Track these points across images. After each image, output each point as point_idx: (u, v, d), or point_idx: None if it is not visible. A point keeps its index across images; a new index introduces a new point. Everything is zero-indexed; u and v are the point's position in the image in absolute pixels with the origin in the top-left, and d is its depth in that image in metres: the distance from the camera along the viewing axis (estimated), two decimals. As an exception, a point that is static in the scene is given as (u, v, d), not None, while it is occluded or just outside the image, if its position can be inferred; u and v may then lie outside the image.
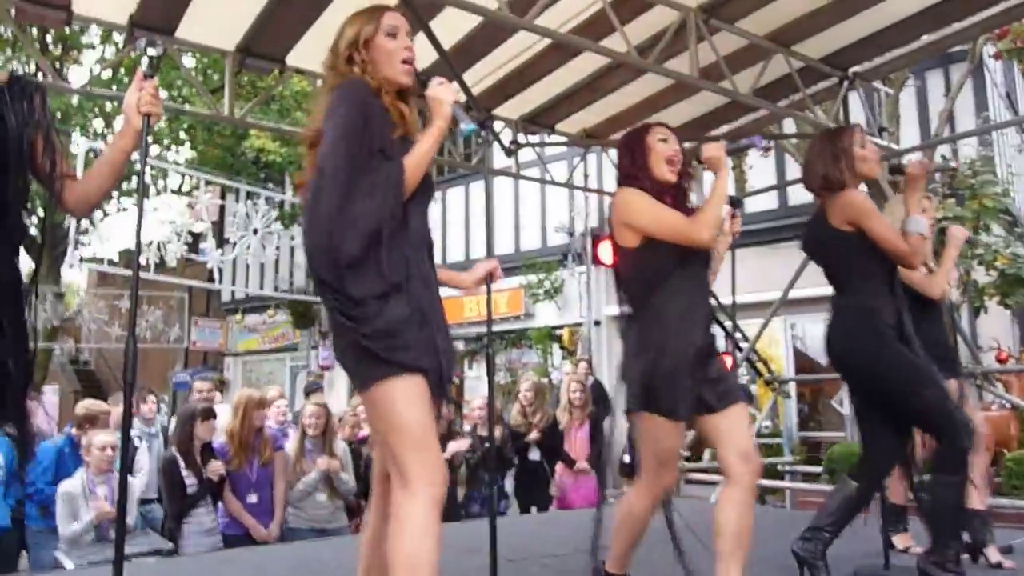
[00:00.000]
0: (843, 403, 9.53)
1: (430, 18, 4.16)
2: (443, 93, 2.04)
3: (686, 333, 2.56)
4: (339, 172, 1.85)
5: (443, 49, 4.30)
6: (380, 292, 1.85)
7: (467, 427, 6.80)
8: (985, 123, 8.42)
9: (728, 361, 6.47)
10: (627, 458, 10.18)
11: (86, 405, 5.15)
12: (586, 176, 9.87)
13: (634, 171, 2.69)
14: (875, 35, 4.77)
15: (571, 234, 12.12)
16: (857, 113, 6.00)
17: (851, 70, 5.26)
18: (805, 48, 4.92)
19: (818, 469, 8.39)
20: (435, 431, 1.91)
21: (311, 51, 4.55)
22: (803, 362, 10.20)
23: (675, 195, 2.67)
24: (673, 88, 5.12)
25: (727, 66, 4.66)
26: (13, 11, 4.15)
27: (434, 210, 13.30)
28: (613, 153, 6.85)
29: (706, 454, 8.46)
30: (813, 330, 10.25)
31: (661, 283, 2.58)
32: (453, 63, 4.55)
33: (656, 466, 2.66)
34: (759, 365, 7.00)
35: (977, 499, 3.34)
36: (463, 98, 2.04)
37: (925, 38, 4.94)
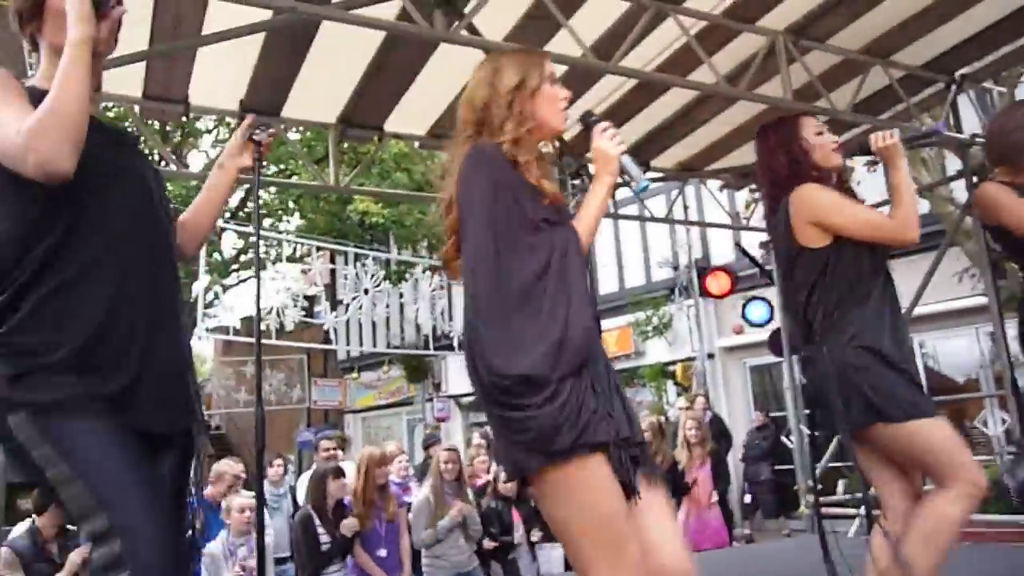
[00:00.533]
0: (987, 423, 8.89)
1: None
2: (610, 146, 1.88)
3: (898, 334, 2.35)
4: (489, 268, 1.71)
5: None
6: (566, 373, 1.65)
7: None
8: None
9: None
10: (748, 498, 9.85)
11: (217, 467, 5.46)
12: (686, 208, 9.76)
13: (796, 170, 2.47)
14: (980, 34, 4.54)
15: (676, 268, 11.96)
16: (969, 116, 5.71)
17: (958, 73, 5.02)
18: (905, 56, 4.74)
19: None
20: (624, 523, 1.66)
21: (406, 117, 4.75)
22: (937, 382, 9.61)
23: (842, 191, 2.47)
24: (767, 112, 5.01)
25: (822, 84, 4.55)
26: (137, 109, 4.53)
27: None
28: (712, 184, 6.77)
29: (840, 486, 8.04)
30: (945, 346, 9.67)
31: (857, 286, 2.36)
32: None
33: (948, 467, 2.23)
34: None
35: None
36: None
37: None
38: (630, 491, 1.69)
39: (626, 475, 1.68)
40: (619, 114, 5.03)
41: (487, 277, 1.71)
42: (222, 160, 2.12)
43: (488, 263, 1.71)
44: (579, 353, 1.66)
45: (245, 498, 4.64)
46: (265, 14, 3.58)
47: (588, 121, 1.96)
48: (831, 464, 6.83)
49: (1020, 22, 4.43)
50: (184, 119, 4.78)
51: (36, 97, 1.55)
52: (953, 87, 5.08)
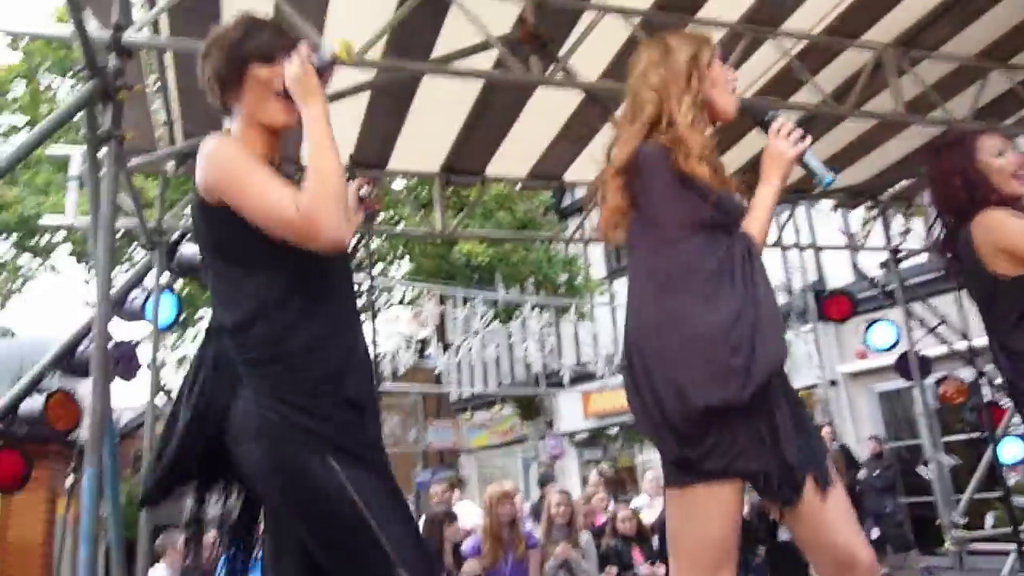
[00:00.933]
0: None
1: (615, 108, 4.29)
2: (785, 145, 1.78)
3: None
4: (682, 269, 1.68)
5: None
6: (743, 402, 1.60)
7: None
8: None
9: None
10: (876, 532, 9.27)
11: None
12: (797, 231, 9.44)
13: (974, 196, 2.27)
14: (1112, 27, 4.24)
15: (790, 292, 11.54)
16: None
17: (1089, 70, 4.68)
18: (1027, 58, 4.47)
19: None
20: (728, 553, 1.65)
21: (507, 160, 4.84)
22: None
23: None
24: (879, 128, 4.83)
25: (938, 94, 4.34)
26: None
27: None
28: (823, 204, 6.53)
29: (988, 519, 7.46)
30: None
31: None
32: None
33: None
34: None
35: None
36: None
37: None
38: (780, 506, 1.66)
39: (774, 499, 1.64)
40: (720, 143, 4.95)
41: (663, 285, 1.68)
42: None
43: (663, 273, 1.69)
44: (766, 376, 1.61)
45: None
46: (370, 73, 3.74)
47: (763, 120, 1.88)
48: (977, 495, 6.36)
49: None
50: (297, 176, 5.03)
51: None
52: (1086, 85, 4.74)
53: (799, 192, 5.82)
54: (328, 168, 1.58)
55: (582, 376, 13.51)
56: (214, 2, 3.29)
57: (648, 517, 6.81)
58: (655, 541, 6.45)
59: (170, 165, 4.42)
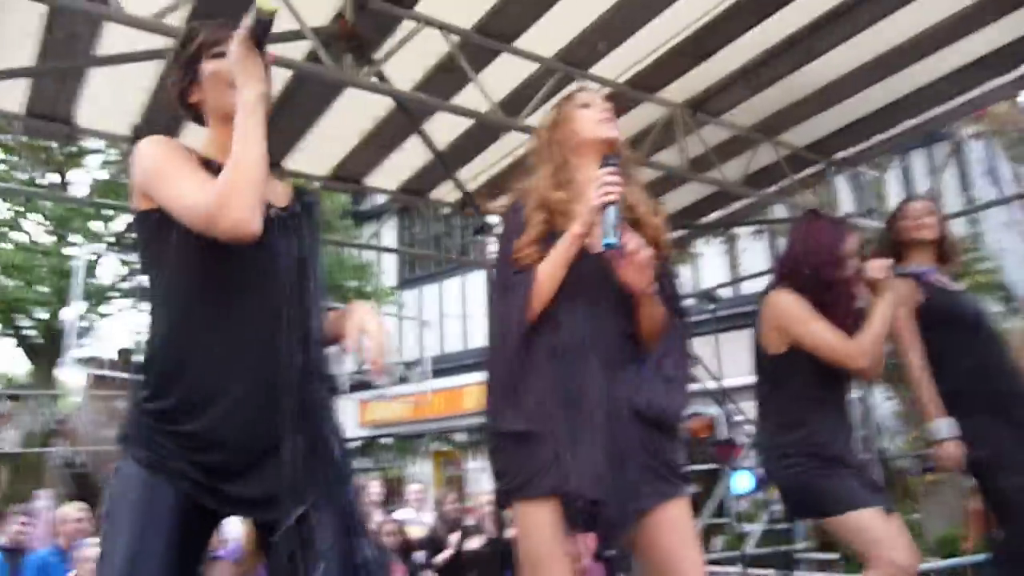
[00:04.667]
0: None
1: (424, 121, 4.30)
2: (593, 194, 1.83)
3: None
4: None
5: (437, 149, 4.41)
6: (521, 430, 1.83)
7: (472, 522, 6.64)
8: (970, 202, 8.59)
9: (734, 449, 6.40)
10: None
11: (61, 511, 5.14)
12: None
13: (800, 264, 2.54)
14: (856, 123, 4.91)
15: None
16: (844, 195, 6.12)
17: (835, 156, 5.39)
18: (790, 137, 5.06)
19: (835, 556, 8.16)
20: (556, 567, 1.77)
21: (308, 157, 4.67)
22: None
23: (847, 297, 2.52)
24: (663, 179, 5.22)
25: (716, 156, 4.78)
26: (18, 124, 4.27)
27: (433, 301, 13.27)
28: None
29: (718, 542, 8.23)
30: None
31: (805, 399, 2.52)
32: (448, 162, 4.67)
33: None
34: (765, 449, 6.88)
35: None
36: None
37: (907, 122, 5.07)
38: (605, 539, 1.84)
39: (577, 527, 1.77)
40: (521, 169, 5.12)
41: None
42: None
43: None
44: (512, 406, 1.85)
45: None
46: (168, 40, 3.46)
47: (608, 162, 1.85)
48: (710, 520, 7.01)
49: (890, 114, 4.82)
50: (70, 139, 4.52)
51: (208, 167, 1.60)
52: (832, 168, 5.45)
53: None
54: (249, 157, 1.51)
55: (360, 384, 13.30)
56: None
57: (415, 532, 6.80)
58: (421, 556, 6.46)
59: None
